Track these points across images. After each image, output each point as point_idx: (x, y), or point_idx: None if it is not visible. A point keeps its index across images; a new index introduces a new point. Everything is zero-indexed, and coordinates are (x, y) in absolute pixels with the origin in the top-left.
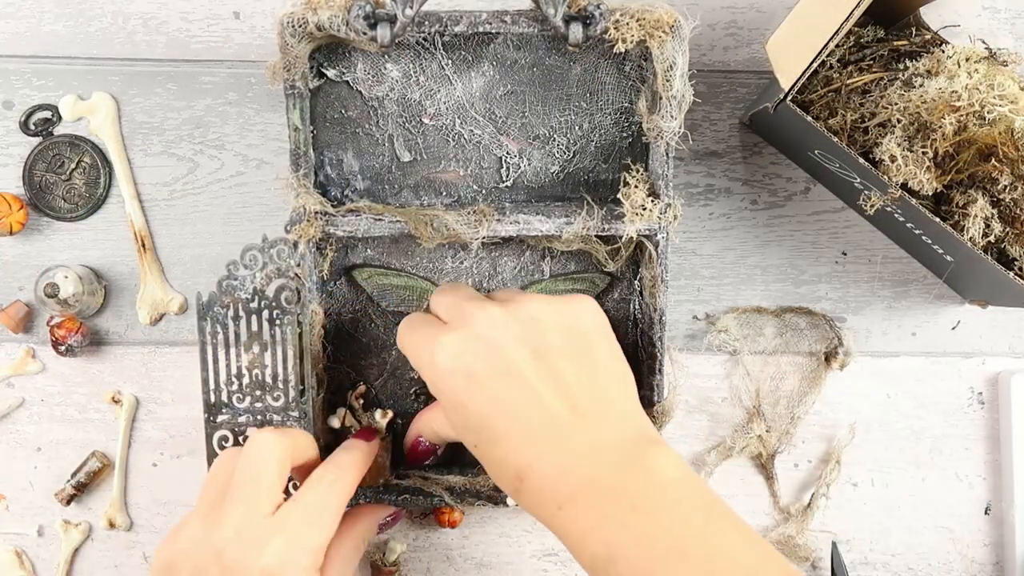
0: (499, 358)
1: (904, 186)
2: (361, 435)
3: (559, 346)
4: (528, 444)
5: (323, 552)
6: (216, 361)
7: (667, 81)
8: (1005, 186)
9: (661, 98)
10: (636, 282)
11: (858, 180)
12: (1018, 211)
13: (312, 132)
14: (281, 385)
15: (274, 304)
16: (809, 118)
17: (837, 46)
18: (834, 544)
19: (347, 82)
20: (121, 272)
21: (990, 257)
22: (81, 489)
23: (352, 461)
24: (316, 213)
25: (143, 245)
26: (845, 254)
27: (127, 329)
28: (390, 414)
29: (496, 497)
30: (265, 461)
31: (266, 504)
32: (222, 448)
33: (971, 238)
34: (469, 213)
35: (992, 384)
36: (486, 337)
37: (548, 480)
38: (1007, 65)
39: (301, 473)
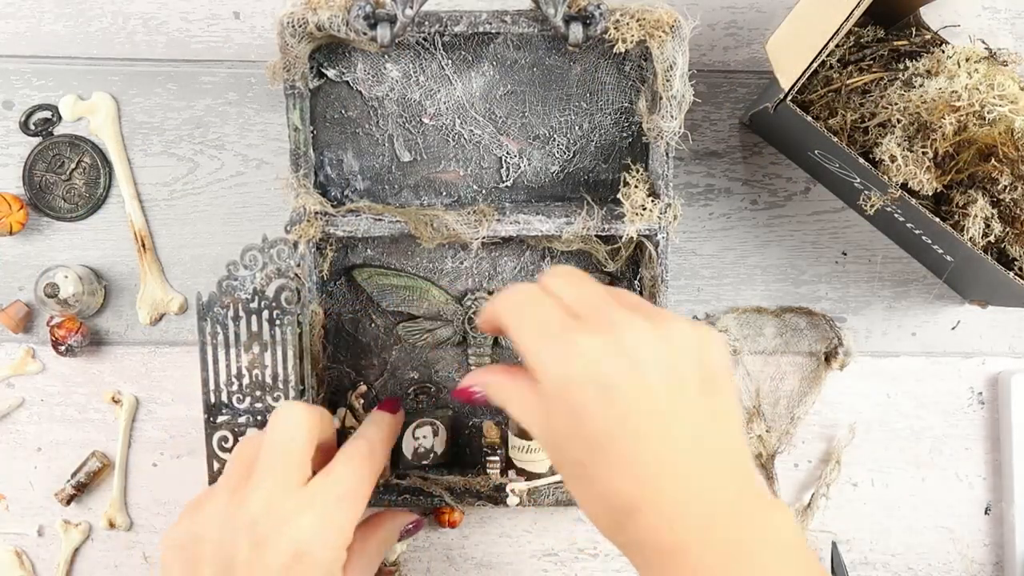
0: (640, 378)
1: (904, 186)
2: (386, 406)
3: (697, 381)
4: (650, 477)
5: (352, 532)
6: (216, 361)
7: (667, 81)
8: (1005, 186)
9: (661, 98)
10: (636, 282)
11: (858, 180)
12: (1018, 211)
13: (312, 132)
14: (281, 385)
15: (274, 304)
16: (809, 118)
17: (837, 46)
18: (834, 544)
19: (347, 82)
20: (121, 272)
21: (990, 257)
22: (81, 489)
23: (381, 435)
24: (316, 213)
25: (143, 245)
26: (845, 254)
27: (127, 329)
28: None
29: (496, 497)
30: (295, 433)
31: (296, 476)
32: (222, 449)
33: (971, 238)
34: (469, 213)
35: (992, 384)
36: (631, 353)
37: (663, 519)
38: (1007, 65)
39: (317, 454)
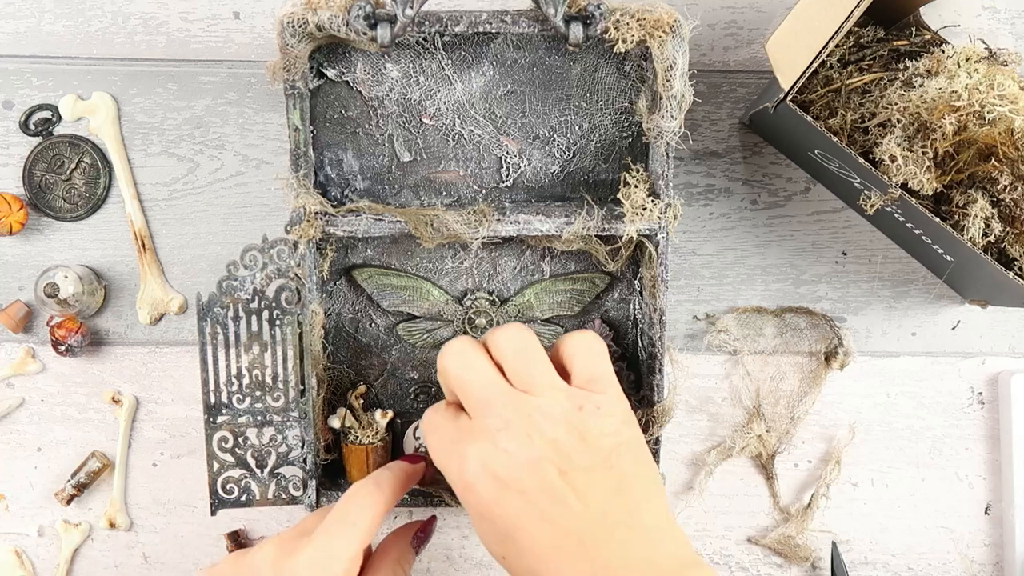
0: (526, 469)
1: (904, 186)
2: (409, 458)
3: (585, 456)
4: (556, 556)
5: (354, 563)
6: (216, 362)
7: (667, 81)
8: (1005, 186)
9: (661, 98)
10: (636, 282)
11: (858, 180)
12: (1018, 211)
13: (312, 132)
14: (281, 385)
15: (274, 304)
16: (809, 118)
17: (837, 46)
18: (834, 544)
19: (347, 82)
20: (121, 272)
21: (990, 257)
22: (81, 489)
23: (390, 479)
24: (316, 213)
25: (143, 245)
26: (845, 254)
27: (127, 329)
28: (390, 414)
29: None
30: (359, 516)
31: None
32: (222, 449)
33: (971, 238)
34: (469, 213)
35: (992, 384)
36: (511, 450)
37: None
38: (1007, 65)
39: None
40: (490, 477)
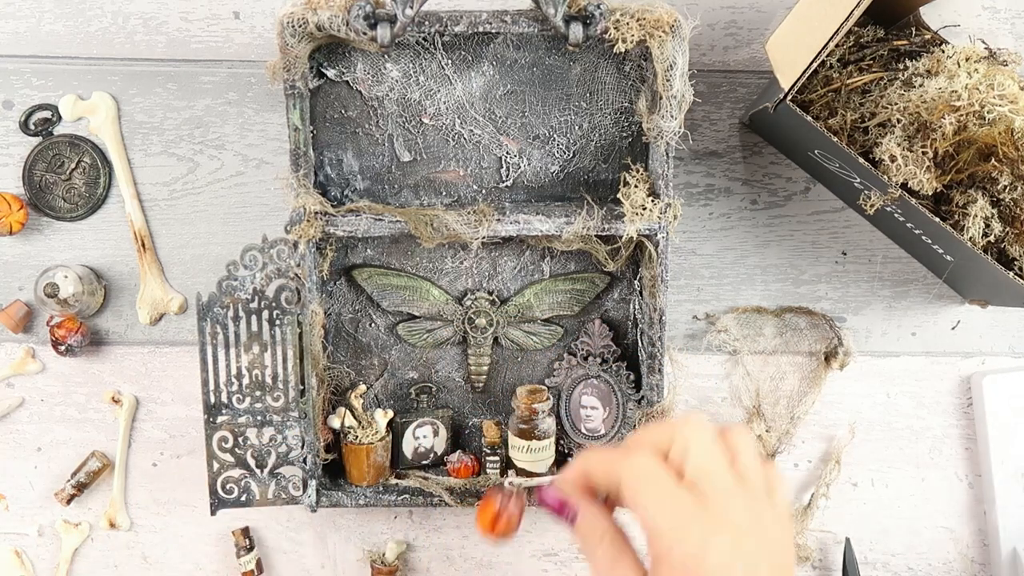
0: (768, 551)
1: (904, 186)
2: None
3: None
4: None
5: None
6: (216, 361)
7: (667, 81)
8: (1005, 186)
9: (661, 98)
10: (636, 282)
11: (858, 180)
12: (1018, 211)
13: (312, 132)
14: (281, 385)
15: (274, 304)
16: (809, 118)
17: (837, 46)
18: (847, 540)
19: (347, 82)
20: (121, 272)
21: (990, 257)
22: (81, 489)
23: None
24: (316, 213)
25: (143, 245)
26: (845, 254)
27: (127, 329)
28: (390, 414)
29: None
30: None
31: None
32: (222, 449)
33: (971, 238)
34: (469, 213)
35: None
36: (754, 535)
37: None
38: (1007, 65)
39: None
40: (731, 569)
